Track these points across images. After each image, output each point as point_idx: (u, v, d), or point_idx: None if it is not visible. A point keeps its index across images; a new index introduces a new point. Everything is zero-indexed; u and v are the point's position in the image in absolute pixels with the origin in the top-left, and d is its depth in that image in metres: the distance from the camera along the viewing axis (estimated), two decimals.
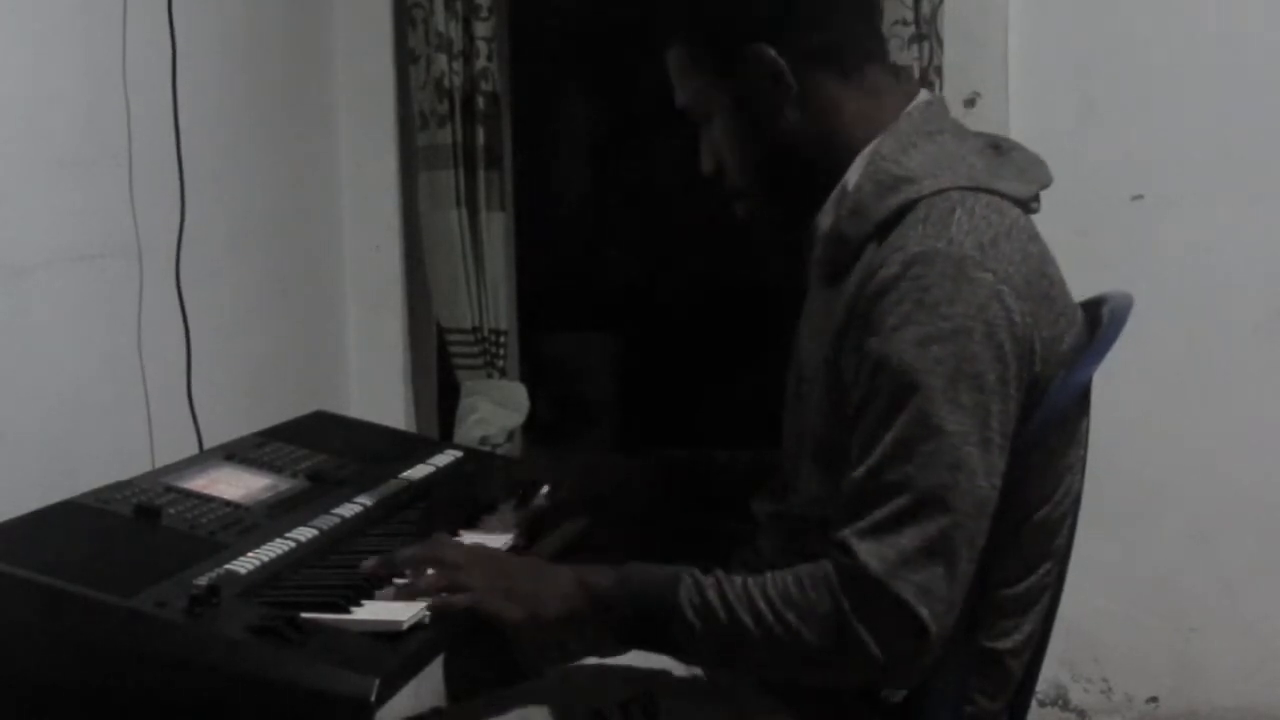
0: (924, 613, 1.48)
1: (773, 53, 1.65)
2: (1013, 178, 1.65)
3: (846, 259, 1.62)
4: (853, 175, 1.66)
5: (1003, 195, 1.61)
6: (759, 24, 1.66)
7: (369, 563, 1.66)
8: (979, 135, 1.72)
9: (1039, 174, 1.70)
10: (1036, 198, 1.69)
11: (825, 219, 1.67)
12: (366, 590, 1.61)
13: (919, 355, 1.51)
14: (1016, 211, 1.62)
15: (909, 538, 1.48)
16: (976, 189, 1.59)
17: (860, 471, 1.52)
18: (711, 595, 1.54)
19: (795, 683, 1.64)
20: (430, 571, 1.63)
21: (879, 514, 1.50)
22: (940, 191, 1.58)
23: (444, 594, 1.60)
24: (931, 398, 1.50)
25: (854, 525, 1.50)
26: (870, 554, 1.48)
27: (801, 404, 1.72)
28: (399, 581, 1.64)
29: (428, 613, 1.56)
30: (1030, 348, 1.55)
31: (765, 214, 1.76)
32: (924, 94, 1.72)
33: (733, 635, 1.53)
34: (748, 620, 1.52)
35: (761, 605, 1.52)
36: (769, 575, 1.54)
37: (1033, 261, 1.59)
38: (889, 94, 1.71)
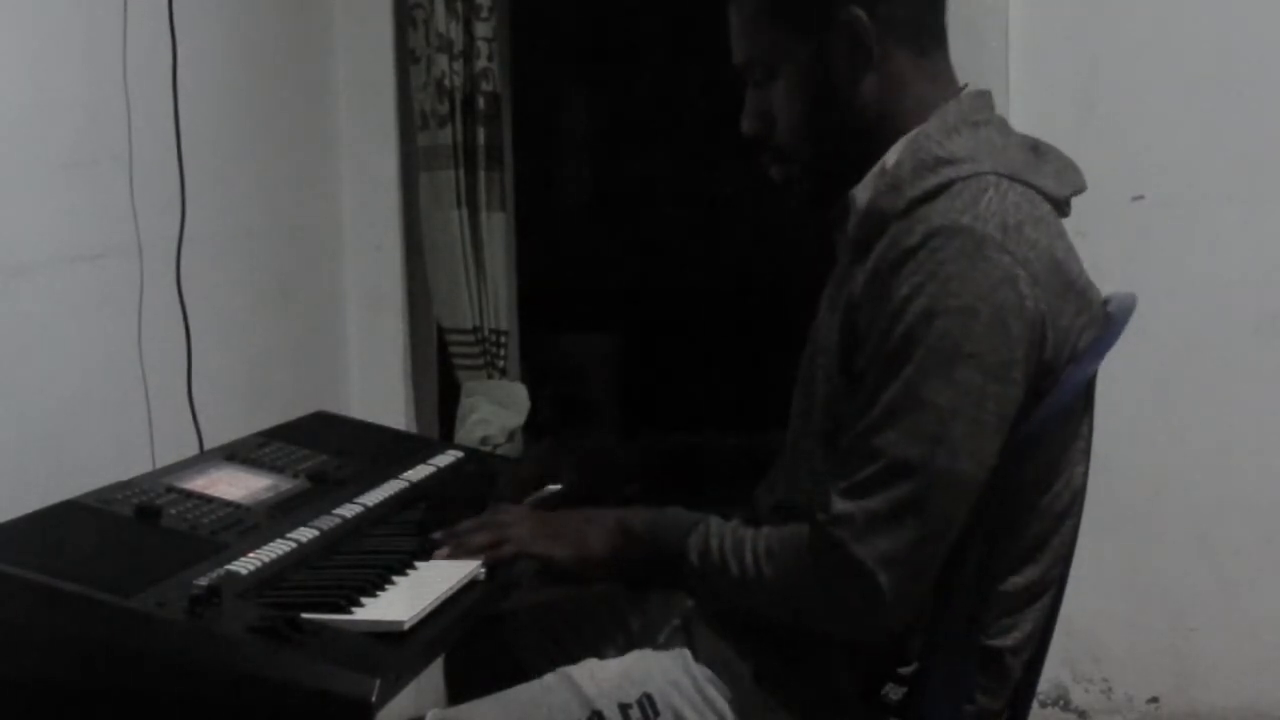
0: (882, 579, 1.51)
1: (865, 16, 1.66)
2: (1050, 176, 1.66)
3: (876, 234, 1.63)
4: (892, 155, 1.67)
5: (1038, 190, 1.62)
6: None
7: (438, 534, 1.77)
8: (1019, 134, 1.73)
9: (1075, 178, 1.71)
10: (1069, 201, 1.69)
11: (863, 194, 1.67)
12: (386, 577, 1.65)
13: (923, 327, 1.52)
14: (1048, 207, 1.63)
15: (878, 503, 1.52)
16: (1014, 178, 1.60)
17: (852, 433, 1.57)
18: (714, 541, 1.65)
19: (796, 676, 1.66)
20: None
21: (857, 476, 1.54)
22: (978, 174, 1.59)
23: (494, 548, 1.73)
24: (925, 370, 1.52)
25: (836, 485, 1.55)
26: (841, 514, 1.53)
27: (813, 382, 1.72)
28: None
29: (433, 606, 1.57)
30: (1041, 334, 1.56)
31: (803, 181, 1.76)
32: (973, 87, 1.74)
33: (721, 579, 1.64)
34: (734, 567, 1.62)
35: (747, 555, 1.62)
36: (765, 529, 1.63)
37: (1058, 254, 1.60)
38: (946, 82, 1.73)
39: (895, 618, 1.56)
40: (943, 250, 1.53)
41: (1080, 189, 1.71)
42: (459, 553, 1.73)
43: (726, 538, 1.64)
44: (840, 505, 1.54)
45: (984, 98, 1.73)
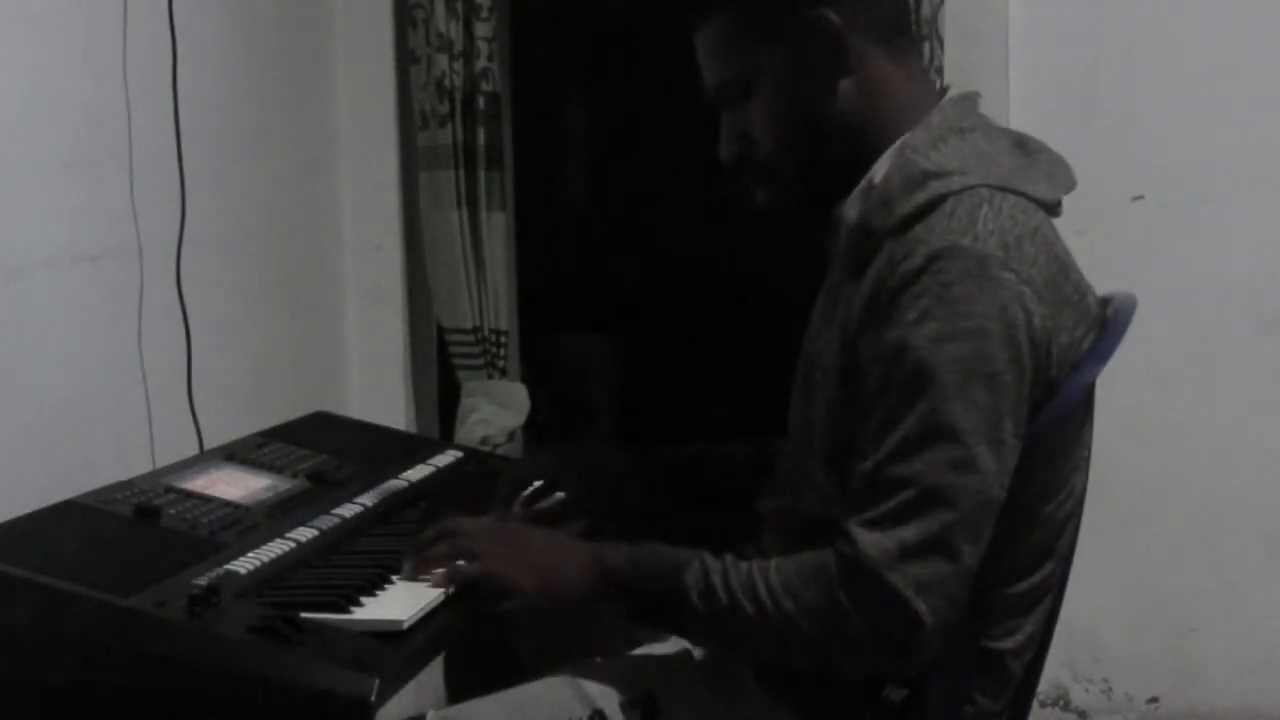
0: (921, 606, 1.49)
1: (838, 19, 1.63)
2: (1041, 179, 1.64)
3: (869, 252, 1.60)
4: (880, 168, 1.65)
5: (1029, 197, 1.60)
6: None
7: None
8: (1006, 132, 1.71)
9: (1065, 177, 1.68)
10: (1060, 202, 1.67)
11: (851, 210, 1.65)
12: (385, 577, 1.63)
13: (935, 351, 1.50)
14: (1041, 215, 1.61)
15: (911, 532, 1.49)
16: (1005, 189, 1.58)
17: (869, 463, 1.53)
18: (716, 580, 1.57)
19: (796, 677, 1.64)
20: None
21: (884, 507, 1.50)
22: (969, 189, 1.57)
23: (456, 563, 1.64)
24: (945, 395, 1.50)
25: (859, 516, 1.51)
26: (871, 546, 1.49)
27: (812, 396, 1.70)
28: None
29: (433, 606, 1.57)
30: (1047, 351, 1.55)
31: (789, 199, 1.73)
32: (956, 90, 1.71)
33: (734, 621, 1.56)
34: (748, 607, 1.55)
35: (762, 593, 1.54)
36: (774, 562, 1.56)
37: (1055, 265, 1.58)
38: (926, 86, 1.72)
39: (934, 646, 1.52)
40: (946, 273, 1.51)
41: (1071, 187, 1.69)
42: (422, 569, 1.65)
43: (730, 575, 1.57)
44: (869, 538, 1.49)
45: (969, 101, 1.71)
